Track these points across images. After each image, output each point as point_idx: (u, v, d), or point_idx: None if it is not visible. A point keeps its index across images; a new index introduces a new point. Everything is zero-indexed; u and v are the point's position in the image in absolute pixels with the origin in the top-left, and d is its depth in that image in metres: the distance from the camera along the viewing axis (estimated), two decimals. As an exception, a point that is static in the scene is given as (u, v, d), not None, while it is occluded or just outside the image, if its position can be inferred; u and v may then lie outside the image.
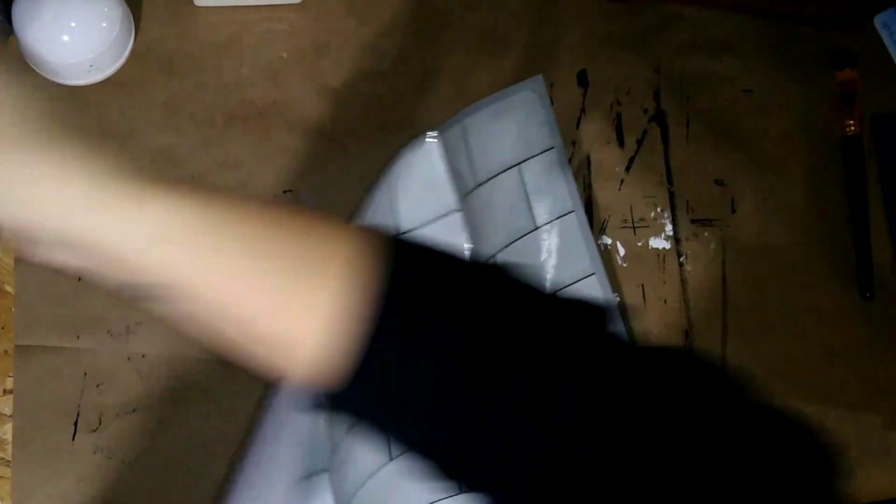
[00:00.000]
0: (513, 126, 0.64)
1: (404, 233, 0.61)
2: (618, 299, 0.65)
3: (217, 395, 0.62)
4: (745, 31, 0.72)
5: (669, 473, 0.36)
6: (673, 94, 0.70)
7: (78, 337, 0.61)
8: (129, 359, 0.61)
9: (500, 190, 0.63)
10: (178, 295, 0.36)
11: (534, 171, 0.63)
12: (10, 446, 0.59)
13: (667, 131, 0.69)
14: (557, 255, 0.63)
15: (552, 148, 0.64)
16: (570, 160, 0.67)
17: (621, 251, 0.67)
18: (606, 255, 0.66)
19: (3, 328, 0.60)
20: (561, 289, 0.62)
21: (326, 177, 0.65)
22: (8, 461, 0.59)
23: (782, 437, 0.38)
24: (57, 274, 0.61)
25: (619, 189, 0.68)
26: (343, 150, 0.66)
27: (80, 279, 0.61)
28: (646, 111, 0.69)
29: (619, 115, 0.69)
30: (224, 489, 0.59)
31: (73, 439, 0.60)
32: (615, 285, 0.65)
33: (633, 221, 0.67)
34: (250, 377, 0.58)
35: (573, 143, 0.68)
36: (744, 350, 0.66)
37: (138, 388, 0.61)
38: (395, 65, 0.68)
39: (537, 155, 0.64)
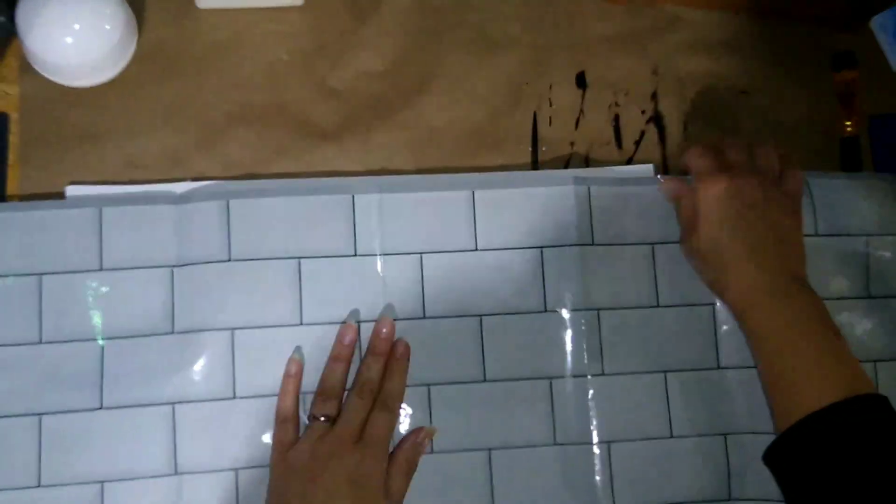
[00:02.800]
0: None
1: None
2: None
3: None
4: (744, 32, 0.72)
5: None
6: (671, 95, 0.70)
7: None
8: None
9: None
10: None
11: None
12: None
13: (664, 132, 0.69)
14: None
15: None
16: (568, 161, 0.68)
17: (619, 251, 0.67)
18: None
19: (7, 327, 0.61)
20: None
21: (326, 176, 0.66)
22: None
23: None
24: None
25: (617, 189, 0.68)
26: (343, 150, 0.66)
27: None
28: (644, 112, 0.70)
29: (617, 116, 0.69)
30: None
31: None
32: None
33: (630, 222, 0.67)
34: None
35: (571, 143, 0.68)
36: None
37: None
38: (395, 65, 0.68)
39: None
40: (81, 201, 0.61)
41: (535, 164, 0.68)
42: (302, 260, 0.62)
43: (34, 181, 0.63)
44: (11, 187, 0.63)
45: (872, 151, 0.70)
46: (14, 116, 0.64)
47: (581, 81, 0.70)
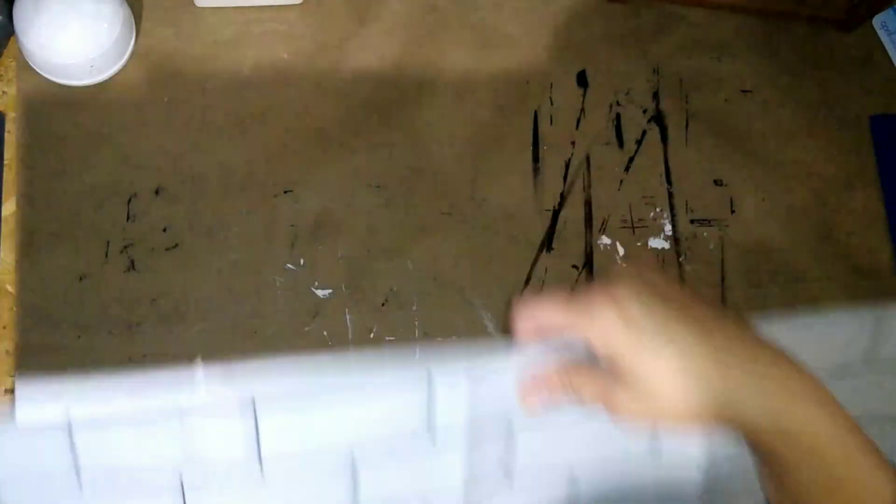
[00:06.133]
0: None
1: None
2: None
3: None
4: (744, 31, 0.72)
5: None
6: (672, 95, 0.70)
7: (79, 337, 0.61)
8: (129, 359, 0.62)
9: None
10: None
11: None
12: (11, 445, 0.59)
13: (666, 132, 0.69)
14: None
15: None
16: (569, 160, 0.68)
17: (620, 251, 0.67)
18: (606, 255, 0.66)
19: (4, 328, 0.61)
20: None
21: (326, 177, 0.65)
22: (9, 460, 0.59)
23: None
24: (58, 273, 0.61)
25: (619, 189, 0.68)
26: (343, 149, 0.66)
27: (81, 279, 0.61)
28: (645, 111, 0.69)
29: (618, 116, 0.69)
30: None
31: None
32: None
33: (632, 222, 0.67)
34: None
35: (573, 143, 0.68)
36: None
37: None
38: (395, 64, 0.68)
39: None
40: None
41: (536, 163, 0.67)
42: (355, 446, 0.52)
43: (32, 180, 0.62)
44: (9, 187, 0.62)
45: (876, 151, 0.70)
46: (11, 116, 0.64)
47: (582, 80, 0.69)
